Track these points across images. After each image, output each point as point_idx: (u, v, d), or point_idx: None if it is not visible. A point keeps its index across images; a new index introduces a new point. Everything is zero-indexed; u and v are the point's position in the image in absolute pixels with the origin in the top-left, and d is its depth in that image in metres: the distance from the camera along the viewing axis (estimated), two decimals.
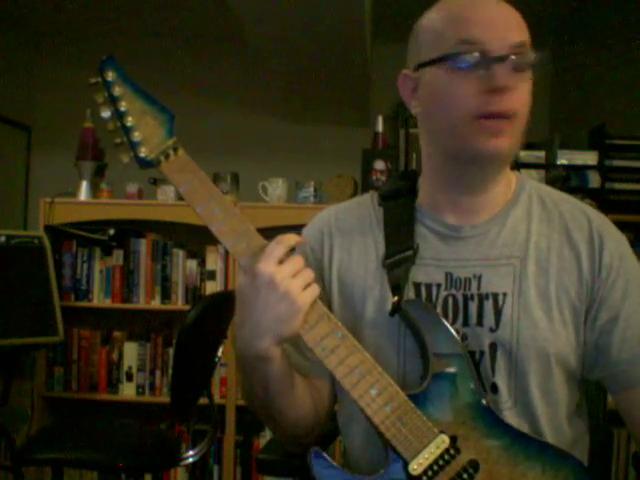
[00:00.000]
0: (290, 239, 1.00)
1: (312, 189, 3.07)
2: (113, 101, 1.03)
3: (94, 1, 3.80)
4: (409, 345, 1.09)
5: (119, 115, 1.03)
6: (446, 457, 1.01)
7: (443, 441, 1.01)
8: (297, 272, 0.99)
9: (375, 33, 3.60)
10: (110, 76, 1.03)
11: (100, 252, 3.11)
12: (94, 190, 3.09)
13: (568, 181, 2.85)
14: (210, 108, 4.28)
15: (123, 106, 1.03)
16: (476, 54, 1.02)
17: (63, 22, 4.13)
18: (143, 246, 3.09)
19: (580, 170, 2.93)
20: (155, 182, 3.04)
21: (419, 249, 1.12)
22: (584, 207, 1.16)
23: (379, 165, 2.96)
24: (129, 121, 1.02)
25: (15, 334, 2.55)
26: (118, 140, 1.04)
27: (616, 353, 1.09)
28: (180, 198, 2.87)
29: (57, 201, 2.99)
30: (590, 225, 1.12)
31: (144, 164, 1.03)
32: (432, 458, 1.00)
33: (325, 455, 1.03)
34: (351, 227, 1.19)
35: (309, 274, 1.00)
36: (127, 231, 3.12)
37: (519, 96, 1.04)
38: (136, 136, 1.02)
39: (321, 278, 1.18)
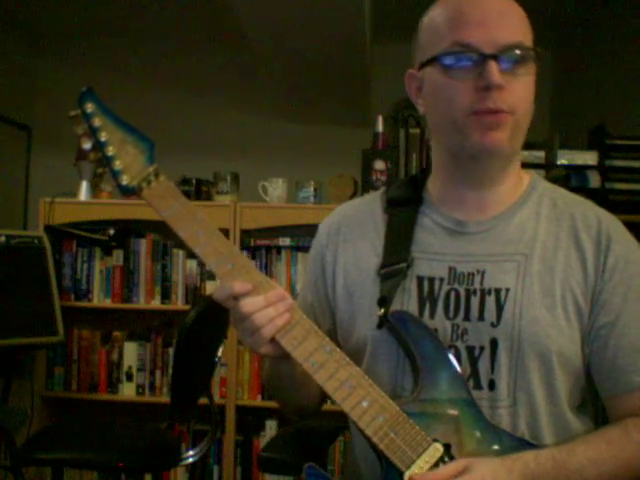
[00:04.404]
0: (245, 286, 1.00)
1: (312, 189, 3.06)
2: (93, 132, 1.05)
3: (94, 1, 3.80)
4: (401, 355, 1.09)
5: (100, 145, 1.05)
6: (441, 465, 1.00)
7: (437, 449, 1.01)
8: (255, 310, 0.99)
9: (375, 33, 3.60)
10: (89, 108, 1.04)
11: (100, 252, 3.11)
12: (94, 190, 3.08)
13: (568, 181, 2.84)
14: (210, 108, 4.28)
15: (103, 136, 1.05)
16: (468, 54, 1.04)
17: (63, 22, 4.13)
18: (143, 246, 3.09)
19: (580, 170, 2.92)
20: None
21: (423, 243, 1.13)
22: (598, 210, 1.16)
23: (379, 165, 2.95)
24: (110, 151, 1.05)
25: (15, 334, 2.55)
26: (100, 170, 1.07)
27: (610, 358, 1.08)
28: None
29: (57, 201, 2.99)
30: (599, 226, 1.12)
31: (126, 191, 1.05)
32: (427, 467, 1.00)
33: (320, 470, 1.03)
34: (359, 226, 1.20)
35: (271, 312, 1.00)
36: (127, 231, 3.11)
37: (514, 94, 1.05)
38: (117, 165, 1.04)
39: (323, 275, 1.20)
